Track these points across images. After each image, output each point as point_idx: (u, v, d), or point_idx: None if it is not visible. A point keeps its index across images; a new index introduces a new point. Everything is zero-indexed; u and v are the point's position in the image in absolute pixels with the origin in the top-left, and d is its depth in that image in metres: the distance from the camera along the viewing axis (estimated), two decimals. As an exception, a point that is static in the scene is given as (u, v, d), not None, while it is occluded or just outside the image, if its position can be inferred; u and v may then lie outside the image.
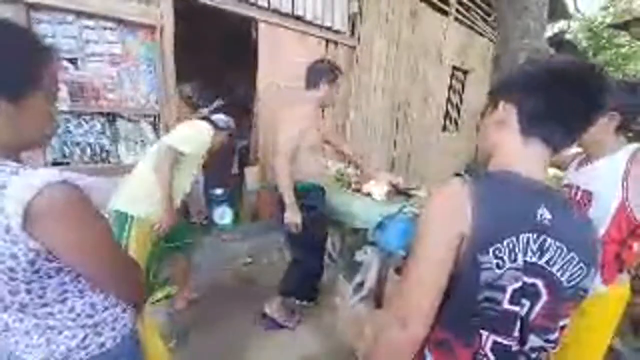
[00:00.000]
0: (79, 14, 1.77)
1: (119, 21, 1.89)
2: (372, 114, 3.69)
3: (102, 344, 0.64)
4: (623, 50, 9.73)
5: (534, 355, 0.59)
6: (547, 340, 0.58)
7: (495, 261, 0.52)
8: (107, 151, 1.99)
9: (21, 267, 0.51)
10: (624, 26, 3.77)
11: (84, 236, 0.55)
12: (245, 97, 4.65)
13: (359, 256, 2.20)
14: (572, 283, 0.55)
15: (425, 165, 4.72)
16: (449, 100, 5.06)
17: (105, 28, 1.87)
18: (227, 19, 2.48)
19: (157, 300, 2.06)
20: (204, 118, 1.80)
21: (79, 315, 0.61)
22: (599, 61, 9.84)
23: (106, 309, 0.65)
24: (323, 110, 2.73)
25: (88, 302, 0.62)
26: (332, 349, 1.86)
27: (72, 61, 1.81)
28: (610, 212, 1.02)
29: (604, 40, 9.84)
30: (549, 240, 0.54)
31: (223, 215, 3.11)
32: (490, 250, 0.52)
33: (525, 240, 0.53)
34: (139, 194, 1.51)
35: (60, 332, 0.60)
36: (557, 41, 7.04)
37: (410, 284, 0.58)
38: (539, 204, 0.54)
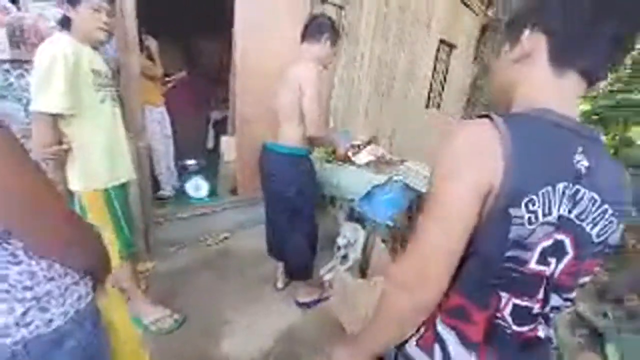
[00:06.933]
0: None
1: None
2: (357, 83, 3.54)
3: (50, 321, 0.52)
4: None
5: (551, 315, 0.55)
6: (566, 299, 0.53)
7: (527, 215, 0.44)
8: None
9: None
10: None
11: (6, 182, 0.42)
12: (220, 62, 4.23)
13: (343, 235, 2.16)
14: (601, 239, 0.49)
15: (409, 140, 4.68)
16: (434, 74, 4.98)
17: (49, -39, 1.56)
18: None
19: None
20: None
21: (13, 286, 0.48)
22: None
23: (51, 279, 0.52)
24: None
25: (25, 271, 0.49)
26: (316, 318, 1.84)
27: (13, 0, 1.51)
28: None
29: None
30: (582, 190, 0.46)
31: (197, 187, 2.91)
32: (523, 202, 0.44)
33: (561, 190, 0.45)
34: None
35: None
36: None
37: (423, 244, 0.49)
38: (576, 148, 0.46)
